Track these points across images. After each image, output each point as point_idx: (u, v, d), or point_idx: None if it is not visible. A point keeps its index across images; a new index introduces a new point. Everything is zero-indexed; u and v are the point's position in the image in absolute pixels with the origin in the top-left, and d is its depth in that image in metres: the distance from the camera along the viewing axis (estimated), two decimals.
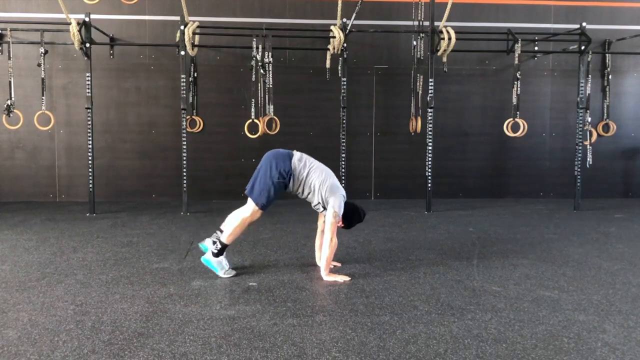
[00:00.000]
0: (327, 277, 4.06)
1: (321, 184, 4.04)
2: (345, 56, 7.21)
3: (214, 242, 4.18)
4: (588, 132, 7.58)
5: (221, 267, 4.13)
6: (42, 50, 7.04)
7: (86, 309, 3.42)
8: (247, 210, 4.08)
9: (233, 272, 4.16)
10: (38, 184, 7.84)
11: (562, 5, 8.21)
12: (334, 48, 7.24)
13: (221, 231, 4.27)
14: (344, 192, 4.14)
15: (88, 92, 6.81)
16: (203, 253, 4.29)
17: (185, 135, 7.06)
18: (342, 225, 4.25)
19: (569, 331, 3.13)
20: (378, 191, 8.25)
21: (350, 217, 4.22)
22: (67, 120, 7.79)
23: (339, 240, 5.38)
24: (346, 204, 4.14)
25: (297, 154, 4.15)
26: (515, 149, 8.28)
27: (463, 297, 3.71)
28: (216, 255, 4.12)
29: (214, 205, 7.54)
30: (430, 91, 7.00)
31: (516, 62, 7.11)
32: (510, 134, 7.28)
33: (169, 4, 7.68)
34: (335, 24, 7.14)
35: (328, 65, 7.51)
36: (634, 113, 8.44)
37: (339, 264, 4.44)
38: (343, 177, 7.24)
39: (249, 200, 4.09)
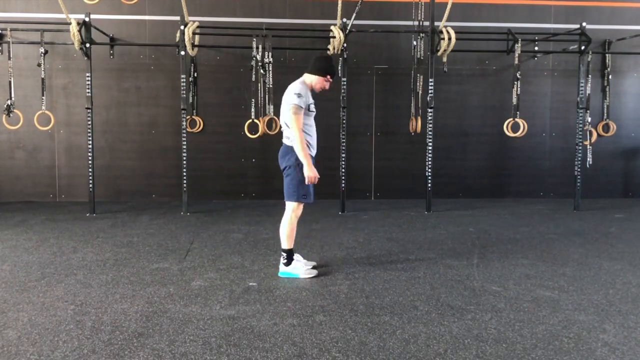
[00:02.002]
0: (308, 171, 3.94)
1: (283, 115, 4.05)
2: (345, 56, 7.21)
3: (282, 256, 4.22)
4: (588, 132, 7.58)
5: (298, 270, 4.12)
6: (42, 50, 7.03)
7: (86, 309, 3.42)
8: (286, 212, 4.11)
9: (314, 272, 4.15)
10: (38, 184, 7.84)
11: (562, 5, 8.21)
12: (334, 48, 7.24)
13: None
14: (295, 89, 3.99)
15: (88, 92, 6.81)
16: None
17: (185, 135, 7.06)
18: (326, 79, 4.08)
19: (569, 331, 3.13)
20: (378, 191, 8.24)
21: (318, 66, 4.07)
22: (67, 120, 7.79)
23: (340, 239, 5.40)
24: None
25: None
26: (515, 149, 8.28)
27: (463, 297, 3.71)
28: (287, 264, 4.14)
29: (214, 205, 7.55)
30: (430, 91, 7.00)
31: (516, 62, 7.11)
32: (510, 134, 7.28)
33: (169, 4, 7.68)
34: (335, 24, 7.14)
35: None
36: (634, 113, 8.44)
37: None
38: (343, 177, 7.24)
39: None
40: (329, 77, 4.12)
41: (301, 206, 4.10)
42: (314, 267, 4.27)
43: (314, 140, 4.10)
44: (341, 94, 7.23)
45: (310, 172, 3.94)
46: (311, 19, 7.89)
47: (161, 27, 7.78)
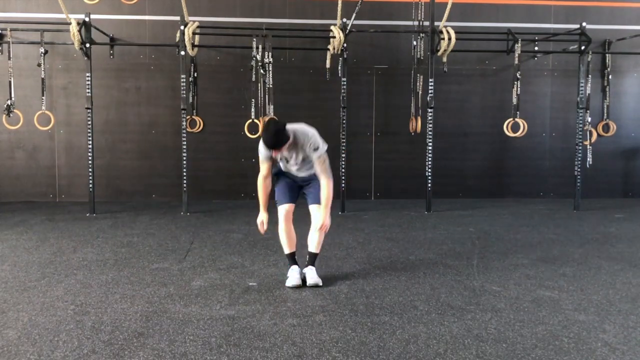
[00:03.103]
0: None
1: None
2: (345, 56, 7.21)
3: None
4: (588, 132, 7.58)
5: (288, 277, 3.98)
6: (42, 50, 7.03)
7: (86, 309, 3.42)
8: None
9: (294, 283, 3.93)
10: (38, 184, 7.84)
11: (562, 5, 8.20)
12: (334, 48, 7.24)
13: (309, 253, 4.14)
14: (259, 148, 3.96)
15: (88, 92, 6.81)
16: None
17: (185, 135, 7.06)
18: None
19: (569, 331, 3.13)
20: (378, 191, 8.24)
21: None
22: (67, 120, 7.79)
23: (340, 239, 5.40)
24: None
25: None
26: (515, 149, 8.28)
27: (463, 297, 3.71)
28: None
29: (214, 205, 7.54)
30: (430, 91, 7.00)
31: (516, 62, 7.11)
32: (510, 134, 7.28)
33: (169, 4, 7.67)
34: (335, 24, 7.14)
35: (328, 65, 7.51)
36: (634, 113, 8.44)
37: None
38: (343, 177, 7.24)
39: None
40: (271, 151, 3.82)
41: (280, 209, 4.05)
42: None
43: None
44: (341, 94, 7.23)
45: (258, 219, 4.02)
46: (311, 19, 7.89)
47: (161, 27, 7.78)
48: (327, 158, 3.87)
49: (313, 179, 4.05)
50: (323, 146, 3.83)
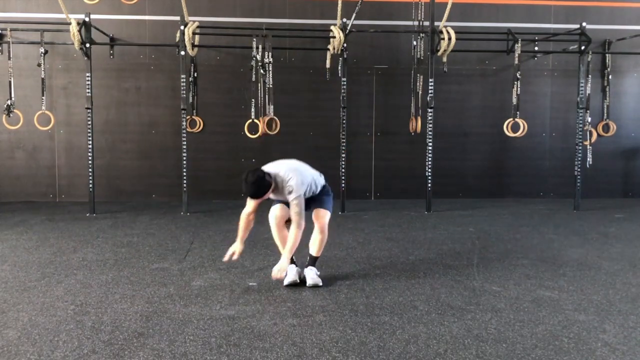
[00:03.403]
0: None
1: None
2: (345, 56, 7.21)
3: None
4: (588, 132, 7.58)
5: (286, 276, 3.98)
6: (42, 50, 7.03)
7: (86, 309, 3.42)
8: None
9: (289, 281, 3.98)
10: (38, 184, 7.84)
11: (562, 5, 8.20)
12: (334, 48, 7.24)
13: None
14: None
15: (88, 92, 6.81)
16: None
17: (185, 135, 7.06)
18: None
19: (569, 331, 3.13)
20: (378, 191, 8.24)
21: None
22: (67, 120, 7.79)
23: (340, 239, 5.40)
24: None
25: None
26: (515, 149, 8.28)
27: (463, 297, 3.71)
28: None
29: (214, 205, 7.54)
30: (430, 91, 7.00)
31: (516, 62, 7.11)
32: (510, 134, 7.28)
33: (169, 4, 7.67)
34: (335, 24, 7.14)
35: (328, 65, 7.51)
36: (634, 113, 8.44)
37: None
38: (343, 177, 7.24)
39: None
40: (252, 199, 3.99)
41: (271, 210, 4.09)
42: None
43: None
44: (341, 94, 7.23)
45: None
46: (311, 19, 7.89)
47: (161, 27, 7.78)
48: (302, 203, 3.86)
49: (316, 194, 4.05)
50: (300, 189, 3.83)
